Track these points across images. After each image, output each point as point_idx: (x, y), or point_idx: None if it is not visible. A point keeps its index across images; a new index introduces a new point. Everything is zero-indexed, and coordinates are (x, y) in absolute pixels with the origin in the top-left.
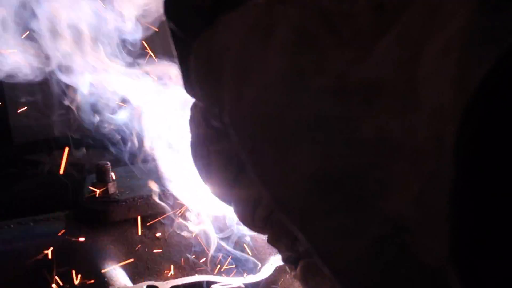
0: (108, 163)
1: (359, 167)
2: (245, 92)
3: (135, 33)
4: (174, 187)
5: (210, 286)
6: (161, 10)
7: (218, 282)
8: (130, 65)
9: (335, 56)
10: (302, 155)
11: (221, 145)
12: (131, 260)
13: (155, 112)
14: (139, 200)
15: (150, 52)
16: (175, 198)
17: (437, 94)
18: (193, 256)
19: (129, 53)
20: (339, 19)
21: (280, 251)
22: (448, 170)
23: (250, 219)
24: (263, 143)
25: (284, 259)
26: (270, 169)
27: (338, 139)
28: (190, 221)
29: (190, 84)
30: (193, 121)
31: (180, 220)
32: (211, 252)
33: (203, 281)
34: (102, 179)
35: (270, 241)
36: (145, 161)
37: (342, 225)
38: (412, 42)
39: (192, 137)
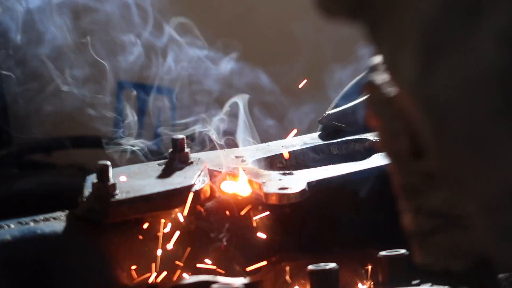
0: (108, 163)
1: None
2: (439, 68)
3: None
4: None
5: (210, 286)
6: None
7: (218, 282)
8: None
9: None
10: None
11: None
12: (132, 260)
13: None
14: (139, 200)
15: None
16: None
17: None
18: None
19: None
20: None
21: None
22: None
23: None
24: (455, 125)
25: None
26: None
27: None
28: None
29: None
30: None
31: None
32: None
33: (203, 281)
34: (102, 179)
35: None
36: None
37: None
38: None
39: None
